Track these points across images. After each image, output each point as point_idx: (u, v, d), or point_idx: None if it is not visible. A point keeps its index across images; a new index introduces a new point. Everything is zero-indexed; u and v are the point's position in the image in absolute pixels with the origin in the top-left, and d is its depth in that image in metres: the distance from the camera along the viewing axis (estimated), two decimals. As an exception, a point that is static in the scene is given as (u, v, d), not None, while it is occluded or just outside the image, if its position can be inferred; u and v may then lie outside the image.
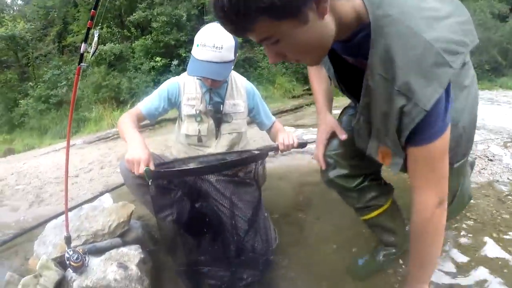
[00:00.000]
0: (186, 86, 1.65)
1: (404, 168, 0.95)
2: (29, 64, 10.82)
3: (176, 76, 1.72)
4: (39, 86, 9.45)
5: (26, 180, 2.98)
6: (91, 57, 1.37)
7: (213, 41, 1.44)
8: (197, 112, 1.63)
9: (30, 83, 9.85)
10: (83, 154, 3.79)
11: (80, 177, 2.96)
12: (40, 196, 2.61)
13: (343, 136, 1.25)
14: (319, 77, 1.35)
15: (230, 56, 1.50)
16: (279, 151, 1.52)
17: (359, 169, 1.28)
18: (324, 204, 1.88)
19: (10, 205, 2.49)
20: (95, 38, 1.30)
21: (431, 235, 0.98)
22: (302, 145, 1.57)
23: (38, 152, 5.28)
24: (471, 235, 1.57)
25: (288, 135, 1.54)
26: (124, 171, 1.48)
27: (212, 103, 1.64)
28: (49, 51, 10.84)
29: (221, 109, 1.65)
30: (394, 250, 1.43)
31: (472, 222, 1.66)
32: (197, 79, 1.65)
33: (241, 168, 1.33)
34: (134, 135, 1.33)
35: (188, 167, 1.43)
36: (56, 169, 3.20)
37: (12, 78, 10.24)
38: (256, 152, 1.40)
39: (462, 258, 1.44)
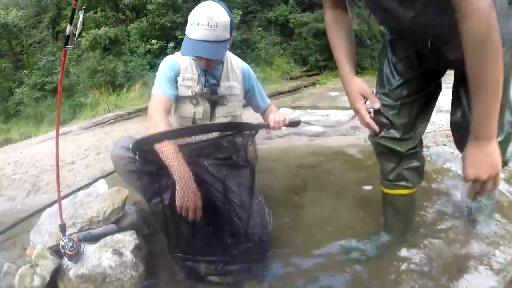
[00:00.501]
0: (183, 65, 1.60)
1: None
2: (23, 52, 10.63)
3: (172, 55, 1.66)
4: (34, 74, 9.30)
5: (23, 169, 2.98)
6: (76, 38, 1.33)
7: (208, 19, 1.38)
8: (193, 93, 1.59)
9: (25, 71, 9.69)
10: (79, 140, 3.78)
11: (76, 163, 2.95)
12: (36, 185, 2.61)
13: (376, 105, 1.22)
14: (340, 30, 1.22)
15: (226, 35, 1.44)
16: (270, 129, 1.49)
17: (412, 133, 1.26)
18: (321, 187, 1.87)
19: (7, 195, 2.49)
20: (80, 18, 1.25)
21: (494, 46, 0.86)
22: (294, 123, 1.54)
23: (34, 140, 5.28)
24: None
25: (279, 113, 1.52)
26: (115, 158, 1.46)
27: (208, 85, 1.60)
28: (43, 38, 10.67)
29: (217, 91, 1.61)
30: (390, 238, 1.42)
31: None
32: (191, 59, 1.60)
33: (229, 135, 1.29)
34: (182, 169, 1.21)
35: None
36: (52, 156, 3.18)
37: (7, 67, 10.08)
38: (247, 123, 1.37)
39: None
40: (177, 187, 1.20)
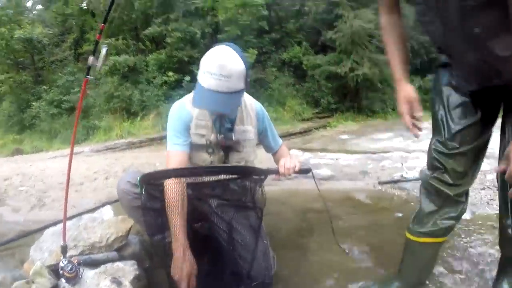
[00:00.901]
0: (193, 112, 1.49)
1: None
2: (44, 68, 11.01)
3: (182, 99, 1.56)
4: (52, 90, 9.62)
5: (31, 182, 2.99)
6: (98, 70, 1.38)
7: (220, 69, 1.26)
8: (208, 142, 1.50)
9: (44, 87, 10.01)
10: (90, 162, 3.81)
11: (84, 185, 2.96)
12: (42, 200, 2.60)
13: (419, 113, 1.22)
14: (396, 36, 1.24)
15: (240, 85, 1.33)
16: (280, 175, 1.42)
17: (463, 181, 1.24)
18: (327, 232, 1.83)
19: (12, 205, 2.49)
20: (103, 53, 1.29)
21: None
22: (304, 171, 1.47)
23: (46, 155, 5.34)
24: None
25: (290, 158, 1.47)
26: (120, 193, 1.45)
27: (223, 132, 1.51)
28: (65, 57, 11.04)
29: (232, 137, 1.51)
30: (400, 285, 1.38)
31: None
32: None
33: (237, 177, 1.28)
34: (180, 237, 1.24)
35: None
36: (61, 174, 3.21)
37: (27, 80, 10.41)
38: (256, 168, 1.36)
39: None
40: (174, 256, 1.22)
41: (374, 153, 4.24)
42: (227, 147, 1.53)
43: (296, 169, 1.42)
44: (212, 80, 1.28)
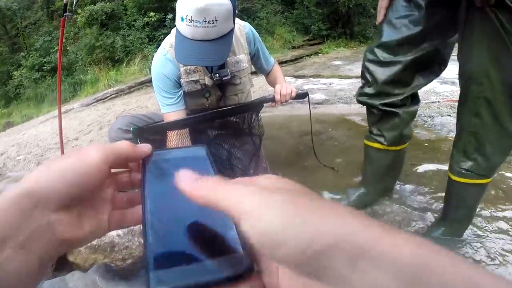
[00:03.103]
0: (178, 62, 1.33)
1: None
2: (18, 35, 10.46)
3: (161, 49, 1.39)
4: (31, 55, 9.18)
5: (27, 150, 2.98)
6: (74, 6, 1.28)
7: (203, 14, 1.09)
8: (204, 86, 1.40)
9: (22, 54, 9.56)
10: (82, 117, 3.77)
11: (80, 139, 2.95)
12: (42, 163, 2.61)
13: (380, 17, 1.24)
14: None
15: (229, 26, 1.18)
16: (276, 103, 1.37)
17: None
18: (324, 153, 1.86)
19: (12, 176, 2.50)
20: None
21: None
22: (301, 95, 1.42)
23: (36, 121, 5.27)
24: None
25: (285, 85, 1.40)
26: (112, 141, 1.43)
27: (216, 71, 1.39)
28: (38, 19, 10.43)
29: (228, 74, 1.40)
30: (364, 190, 1.45)
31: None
32: None
33: (234, 115, 1.28)
34: None
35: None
36: (55, 135, 3.18)
37: (3, 51, 9.96)
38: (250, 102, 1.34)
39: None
40: None
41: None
42: (224, 84, 1.44)
43: (293, 94, 1.36)
44: (195, 29, 1.11)
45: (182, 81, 1.38)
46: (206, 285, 0.20)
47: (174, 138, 1.24)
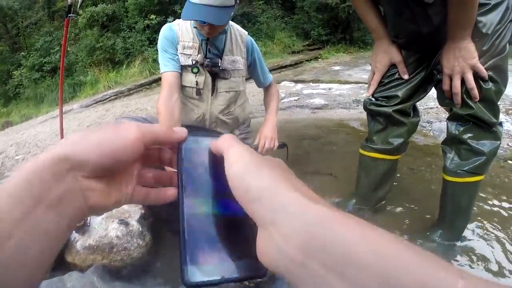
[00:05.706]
0: (181, 33, 1.52)
1: None
2: (19, 34, 10.43)
3: (170, 23, 1.58)
4: (31, 55, 9.16)
5: (26, 149, 2.97)
6: (79, 7, 1.30)
7: None
8: (194, 62, 1.51)
9: (22, 53, 9.53)
10: (81, 118, 3.77)
11: (79, 140, 2.95)
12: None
13: (405, 75, 1.26)
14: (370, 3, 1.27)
15: (231, 0, 1.37)
16: (258, 151, 1.51)
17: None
18: (322, 158, 1.87)
19: (11, 175, 2.50)
20: None
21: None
22: (280, 146, 1.67)
23: (35, 121, 5.26)
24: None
25: (270, 138, 1.58)
26: None
27: (209, 56, 1.53)
28: (39, 19, 10.41)
29: (219, 64, 1.53)
30: (357, 201, 1.47)
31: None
32: (192, 27, 1.53)
33: None
34: None
35: None
36: (54, 135, 3.19)
37: (3, 50, 9.92)
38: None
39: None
40: None
41: (367, 83, 4.19)
42: (214, 74, 1.55)
43: (275, 148, 1.58)
44: None
45: (178, 52, 1.51)
46: (229, 282, 0.25)
47: None
